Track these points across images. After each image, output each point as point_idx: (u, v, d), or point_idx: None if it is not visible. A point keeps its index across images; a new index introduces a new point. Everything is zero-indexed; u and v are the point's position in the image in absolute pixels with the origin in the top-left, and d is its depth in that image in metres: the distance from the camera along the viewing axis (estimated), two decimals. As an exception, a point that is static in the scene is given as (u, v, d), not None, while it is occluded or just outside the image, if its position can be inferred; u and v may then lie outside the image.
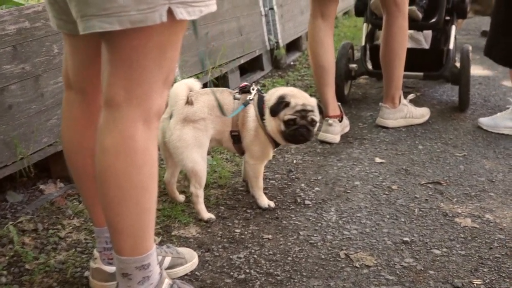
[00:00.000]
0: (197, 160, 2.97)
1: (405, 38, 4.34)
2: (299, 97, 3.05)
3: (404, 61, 4.38)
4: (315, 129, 3.10)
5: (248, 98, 3.06)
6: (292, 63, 6.79)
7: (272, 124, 3.03)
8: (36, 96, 3.14)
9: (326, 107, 4.18)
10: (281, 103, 3.00)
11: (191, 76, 4.66)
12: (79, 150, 2.20)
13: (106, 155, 1.94)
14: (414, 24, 4.84)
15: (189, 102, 2.94)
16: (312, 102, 3.08)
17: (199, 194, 3.02)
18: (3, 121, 2.93)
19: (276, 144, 3.15)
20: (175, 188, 3.22)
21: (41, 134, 3.15)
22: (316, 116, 3.06)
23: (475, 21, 9.46)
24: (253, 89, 3.10)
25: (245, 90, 3.12)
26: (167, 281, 2.17)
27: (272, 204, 3.20)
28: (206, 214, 3.06)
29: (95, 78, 2.06)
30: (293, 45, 7.24)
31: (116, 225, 2.00)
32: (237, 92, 3.12)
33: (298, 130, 3.00)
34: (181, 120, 2.93)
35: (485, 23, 8.99)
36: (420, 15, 4.89)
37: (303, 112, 3.00)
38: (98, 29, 1.77)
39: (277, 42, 6.41)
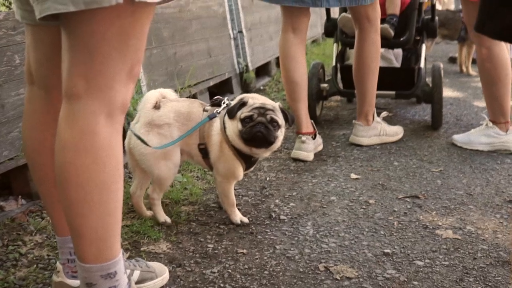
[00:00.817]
0: (162, 168, 2.84)
1: (378, 53, 4.28)
2: (259, 99, 2.90)
3: (377, 77, 4.32)
4: (278, 132, 2.84)
5: (215, 111, 2.85)
6: (261, 87, 6.71)
7: (231, 128, 2.83)
8: (-4, 107, 2.98)
9: (299, 124, 4.08)
10: (238, 103, 2.84)
11: (159, 96, 4.53)
12: (41, 151, 2.04)
13: (66, 151, 1.78)
14: (386, 42, 4.80)
15: (156, 106, 2.83)
16: (273, 103, 2.89)
17: (155, 197, 2.98)
18: (-40, 132, 2.77)
19: (246, 161, 2.93)
20: (141, 201, 3.06)
21: (1, 147, 2.98)
22: (278, 117, 2.82)
23: (442, 48, 9.54)
24: (223, 103, 2.90)
25: (215, 103, 2.95)
26: (136, 292, 2.01)
27: (245, 219, 3.05)
28: (162, 217, 3.00)
29: (58, 72, 1.91)
30: (263, 70, 7.17)
31: (78, 228, 1.84)
32: (208, 105, 2.98)
33: (255, 127, 2.77)
34: (146, 124, 2.82)
35: (452, 50, 9.07)
36: (392, 32, 4.86)
37: (261, 110, 2.80)
38: (53, 10, 1.64)
39: (247, 66, 6.33)
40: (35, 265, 2.56)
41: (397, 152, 4.27)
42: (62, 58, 1.79)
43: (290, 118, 2.93)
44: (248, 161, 2.94)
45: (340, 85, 5.18)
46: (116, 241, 1.92)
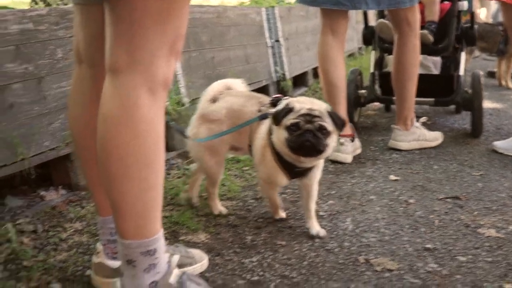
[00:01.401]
0: (208, 163, 2.84)
1: (417, 58, 4.25)
2: (306, 103, 2.60)
3: (416, 81, 4.28)
4: (328, 140, 2.56)
5: (267, 112, 2.68)
6: (298, 96, 6.68)
7: (277, 135, 2.60)
8: (39, 98, 3.01)
9: (338, 126, 4.05)
10: (284, 109, 2.56)
11: (197, 98, 4.55)
12: (86, 129, 2.04)
13: (107, 125, 1.79)
14: (425, 48, 4.75)
15: (213, 99, 2.81)
16: (322, 108, 2.59)
17: (209, 190, 2.99)
18: (4, 119, 2.80)
19: (288, 170, 2.70)
20: (196, 186, 3.14)
21: (43, 137, 3.01)
22: (327, 123, 2.54)
23: (481, 63, 9.43)
24: (279, 103, 2.66)
25: (274, 102, 2.73)
26: (176, 272, 1.99)
27: (284, 215, 3.00)
28: (216, 210, 3.02)
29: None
30: (300, 80, 7.17)
31: (119, 204, 1.84)
32: (267, 103, 2.78)
33: (302, 135, 2.52)
34: (200, 116, 2.83)
35: (490, 65, 8.97)
36: (431, 38, 4.82)
37: (308, 117, 2.53)
38: None
39: (284, 74, 6.33)
40: (74, 250, 2.57)
41: (437, 157, 4.21)
42: (105, 34, 1.81)
43: (340, 123, 2.59)
44: (290, 170, 2.70)
45: (378, 92, 5.14)
46: (156, 218, 1.91)
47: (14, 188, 3.14)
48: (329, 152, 2.62)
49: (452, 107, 5.62)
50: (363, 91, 5.05)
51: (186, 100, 4.35)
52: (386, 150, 4.39)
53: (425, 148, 4.40)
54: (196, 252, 2.46)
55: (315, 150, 2.56)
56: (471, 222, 2.99)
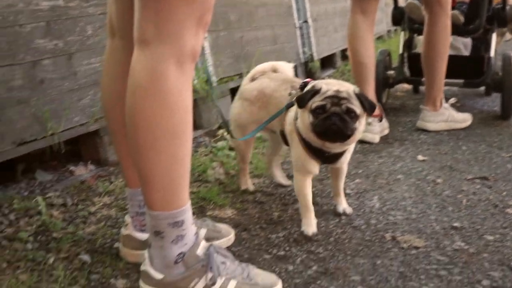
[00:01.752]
0: (237, 138, 2.85)
1: (448, 38, 4.20)
2: (334, 84, 2.41)
3: (446, 62, 4.24)
4: (357, 123, 2.36)
5: (294, 99, 2.52)
6: (326, 78, 6.66)
7: (302, 119, 2.43)
8: (69, 74, 3.05)
9: (366, 105, 4.03)
10: (310, 91, 2.39)
11: (225, 78, 4.57)
12: (117, 101, 2.05)
13: (135, 96, 1.80)
14: (456, 28, 4.69)
15: (252, 78, 2.82)
16: (350, 90, 2.38)
17: (240, 166, 3.04)
18: (35, 95, 2.84)
19: (318, 156, 2.52)
20: (272, 164, 3.18)
21: (73, 113, 3.05)
22: (355, 106, 2.34)
23: (512, 46, 9.29)
24: (308, 87, 2.47)
25: (303, 86, 2.54)
26: (203, 244, 2.01)
27: (311, 232, 2.59)
28: (243, 185, 3.05)
29: None
30: (328, 62, 7.15)
31: (146, 175, 1.86)
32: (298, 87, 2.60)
33: (328, 119, 2.32)
34: (239, 92, 2.87)
35: (522, 47, 8.83)
36: (462, 19, 4.76)
37: (335, 99, 2.34)
38: None
39: (312, 55, 6.31)
40: (103, 223, 2.60)
41: (465, 138, 4.18)
42: (135, 7, 1.82)
43: (369, 106, 2.38)
44: (320, 155, 2.52)
45: (407, 73, 5.10)
46: (183, 190, 1.93)
47: (44, 163, 3.18)
48: (357, 136, 2.42)
49: (482, 89, 5.56)
50: (391, 72, 5.01)
51: (214, 79, 4.36)
52: (414, 131, 4.37)
53: (453, 130, 4.36)
54: (223, 227, 2.48)
55: (342, 134, 2.35)
56: (499, 202, 2.97)
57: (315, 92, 2.37)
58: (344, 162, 2.67)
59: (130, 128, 1.85)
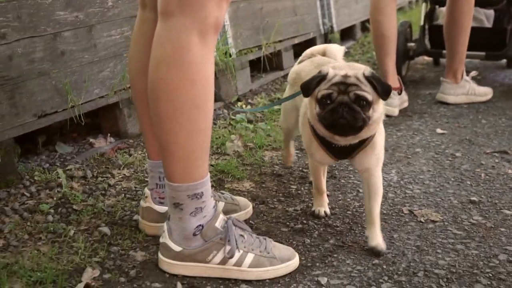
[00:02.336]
0: (281, 121, 2.87)
1: (471, 10, 4.16)
2: (342, 68, 2.10)
3: (468, 34, 4.20)
4: (369, 111, 2.05)
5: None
6: (346, 50, 6.60)
7: (310, 108, 2.18)
8: (89, 46, 3.06)
9: (386, 78, 4.01)
10: (315, 77, 2.10)
11: (244, 49, 4.56)
12: (143, 72, 2.04)
13: (158, 67, 1.82)
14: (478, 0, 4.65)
15: (300, 60, 2.73)
16: (359, 73, 2.06)
17: (284, 144, 3.03)
18: (55, 67, 2.86)
19: (330, 149, 2.23)
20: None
21: (93, 85, 3.06)
22: (366, 92, 2.03)
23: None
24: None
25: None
26: (221, 217, 2.03)
27: (323, 213, 2.52)
28: (287, 162, 3.03)
29: None
30: (348, 33, 7.10)
31: (167, 146, 1.88)
32: None
33: (336, 110, 2.03)
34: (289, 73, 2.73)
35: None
36: (485, -10, 4.71)
37: (343, 86, 2.04)
38: None
39: (332, 27, 6.27)
40: (122, 195, 2.63)
41: (485, 111, 4.15)
42: None
43: (382, 89, 2.05)
44: (330, 148, 2.23)
45: (428, 45, 5.06)
46: (204, 162, 1.94)
47: (64, 135, 3.21)
48: (374, 127, 2.12)
49: (503, 61, 5.50)
50: (412, 44, 4.98)
51: (233, 50, 4.36)
52: (434, 104, 4.34)
53: (473, 103, 4.34)
54: (241, 200, 2.50)
55: (351, 127, 2.06)
56: (518, 176, 2.96)
57: (321, 78, 2.08)
58: (365, 162, 2.23)
59: (152, 98, 1.86)
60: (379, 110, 2.09)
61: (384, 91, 2.06)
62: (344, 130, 2.07)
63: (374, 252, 2.19)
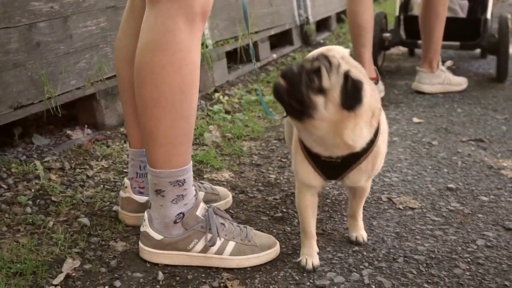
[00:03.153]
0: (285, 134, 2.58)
1: (447, 0, 4.20)
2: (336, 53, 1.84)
3: (444, 24, 4.24)
4: (319, 97, 1.73)
5: None
6: (322, 41, 6.64)
7: None
8: (65, 37, 3.03)
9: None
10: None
11: (220, 41, 4.55)
12: (130, 59, 2.02)
13: (144, 51, 1.83)
14: (452, -11, 4.70)
15: None
16: (344, 65, 1.76)
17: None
18: (31, 58, 2.83)
19: (318, 165, 1.94)
20: None
21: (69, 76, 3.04)
22: (327, 75, 1.73)
23: (508, 9, 9.25)
24: None
25: None
26: (202, 205, 2.03)
27: (310, 265, 2.02)
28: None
29: None
30: (323, 24, 7.11)
31: (151, 131, 1.88)
32: None
33: (283, 72, 1.82)
34: None
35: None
36: (459, -20, 4.74)
37: (315, 59, 1.79)
38: None
39: (307, 18, 6.27)
40: (101, 186, 2.61)
41: (461, 100, 4.19)
42: None
43: (348, 94, 1.71)
44: (318, 162, 1.93)
45: (403, 35, 5.10)
46: (186, 149, 1.95)
47: (41, 127, 3.18)
48: (320, 115, 1.74)
49: (478, 51, 5.56)
50: (387, 34, 5.00)
51: (209, 42, 4.34)
52: (410, 94, 4.38)
53: (449, 92, 4.37)
54: (221, 190, 2.50)
55: (282, 100, 1.79)
56: (494, 164, 2.99)
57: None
58: (357, 181, 2.00)
59: (137, 82, 1.87)
60: (333, 112, 1.74)
61: (349, 96, 1.71)
62: (277, 96, 1.80)
63: (356, 243, 2.19)
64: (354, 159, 1.88)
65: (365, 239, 2.19)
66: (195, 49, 1.84)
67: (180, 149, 1.91)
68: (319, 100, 1.73)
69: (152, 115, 1.85)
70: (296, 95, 1.74)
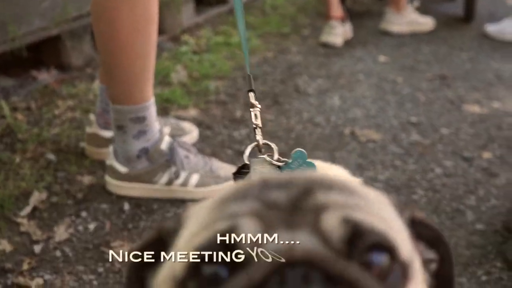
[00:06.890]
0: None
1: None
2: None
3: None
4: None
5: None
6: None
7: None
8: (28, -23, 3.00)
9: (329, 7, 4.04)
10: None
11: None
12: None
13: None
14: None
15: None
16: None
17: None
18: (-6, -3, 2.80)
19: None
20: None
21: (34, 17, 3.01)
22: None
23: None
24: None
25: None
26: (167, 139, 2.07)
27: None
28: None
29: None
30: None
31: (110, 68, 1.90)
32: None
33: None
34: None
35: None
36: None
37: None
38: None
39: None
40: (68, 124, 2.62)
41: (428, 40, 4.22)
42: None
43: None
44: None
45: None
46: (146, 86, 1.97)
47: (6, 69, 3.16)
48: None
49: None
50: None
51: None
52: (377, 34, 4.40)
53: (416, 33, 4.40)
54: (186, 125, 2.53)
55: None
56: (456, 99, 3.06)
57: None
58: None
59: (94, 20, 1.88)
60: None
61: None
62: None
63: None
64: None
65: None
66: None
67: (139, 85, 1.93)
68: None
69: (110, 52, 1.87)
70: None
